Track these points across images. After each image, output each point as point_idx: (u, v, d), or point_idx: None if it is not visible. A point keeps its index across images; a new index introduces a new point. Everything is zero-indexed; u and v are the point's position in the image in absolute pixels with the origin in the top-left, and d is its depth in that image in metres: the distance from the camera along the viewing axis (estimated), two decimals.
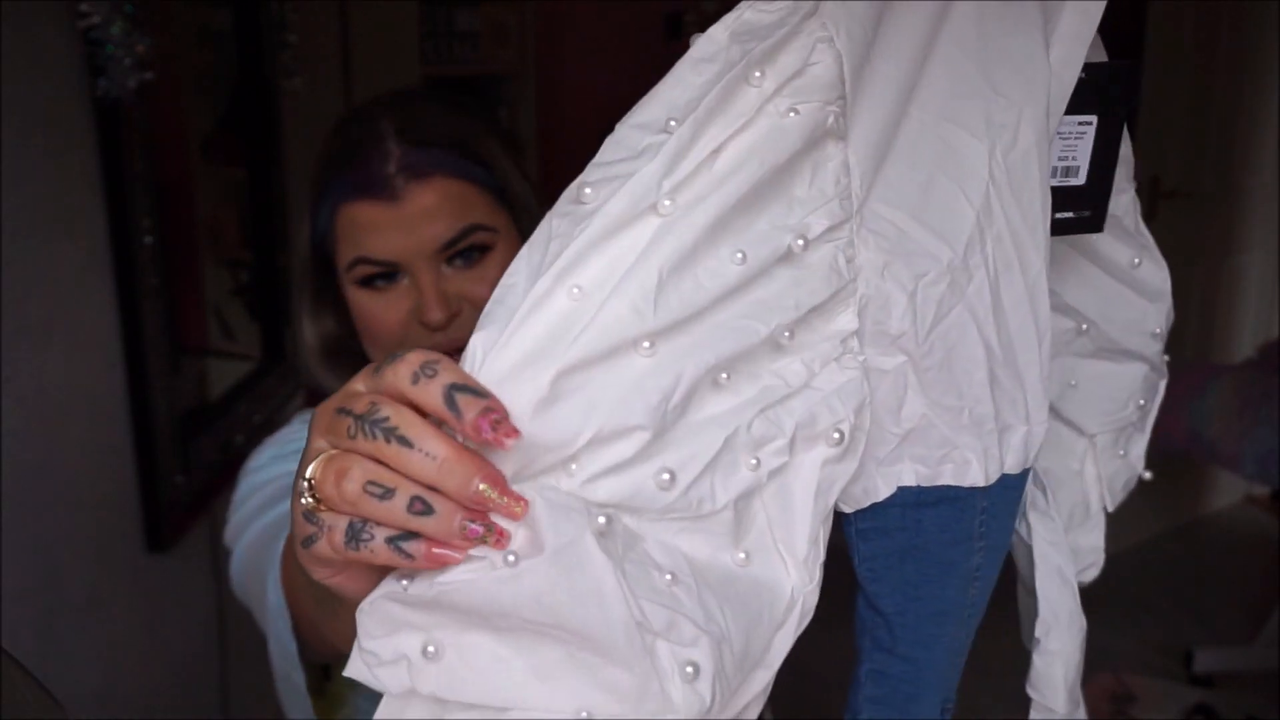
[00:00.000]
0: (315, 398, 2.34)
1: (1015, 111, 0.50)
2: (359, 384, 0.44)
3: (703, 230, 0.44)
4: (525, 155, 0.88)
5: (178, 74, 1.79)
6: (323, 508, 0.43)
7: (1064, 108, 0.52)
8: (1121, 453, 0.65)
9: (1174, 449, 2.63)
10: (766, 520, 0.47)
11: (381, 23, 2.69)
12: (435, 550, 0.41)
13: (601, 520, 0.42)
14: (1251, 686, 2.54)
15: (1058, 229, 0.55)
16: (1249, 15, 3.04)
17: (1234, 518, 3.46)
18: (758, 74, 0.45)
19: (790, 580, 0.47)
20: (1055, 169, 0.54)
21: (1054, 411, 0.62)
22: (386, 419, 0.41)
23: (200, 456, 1.68)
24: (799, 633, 0.48)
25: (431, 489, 0.41)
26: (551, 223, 0.44)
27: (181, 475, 1.60)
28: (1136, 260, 0.60)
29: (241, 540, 0.85)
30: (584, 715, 0.42)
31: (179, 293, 1.71)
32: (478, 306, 0.71)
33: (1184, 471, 3.24)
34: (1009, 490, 0.55)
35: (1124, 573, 3.08)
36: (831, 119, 0.47)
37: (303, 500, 0.44)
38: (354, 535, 0.42)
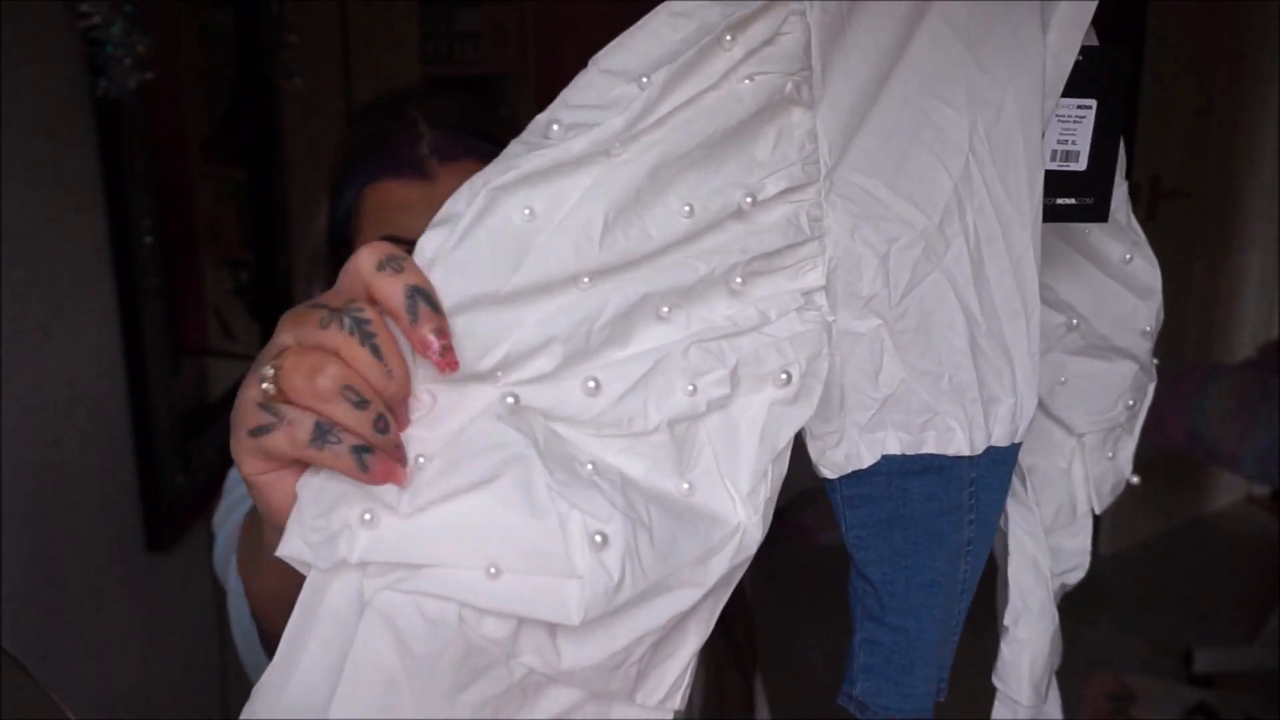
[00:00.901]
0: None
1: (1000, 88, 0.50)
2: (336, 285, 0.44)
3: (645, 178, 0.45)
4: None
5: (178, 74, 1.79)
6: (283, 399, 0.42)
7: (1059, 91, 0.52)
8: (1110, 454, 0.65)
9: (1174, 449, 2.63)
10: (713, 454, 0.48)
11: (381, 23, 2.69)
12: (386, 467, 0.42)
13: (510, 400, 0.44)
14: (1251, 686, 2.54)
15: (1059, 215, 0.55)
16: (1249, 15, 3.04)
17: (1234, 518, 3.46)
18: (729, 38, 0.46)
19: (736, 516, 0.48)
20: (1055, 152, 0.55)
21: (1043, 408, 0.62)
22: (368, 321, 0.42)
23: (200, 456, 1.68)
24: (737, 564, 0.48)
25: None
26: (514, 148, 0.46)
27: (181, 475, 1.60)
28: (1128, 256, 0.61)
29: (225, 526, 0.85)
30: (490, 568, 0.42)
31: (179, 293, 1.71)
32: None
33: (1184, 471, 3.24)
34: (998, 464, 0.55)
35: (1124, 573, 3.08)
36: (791, 87, 0.48)
37: (263, 386, 0.42)
38: (321, 435, 0.41)
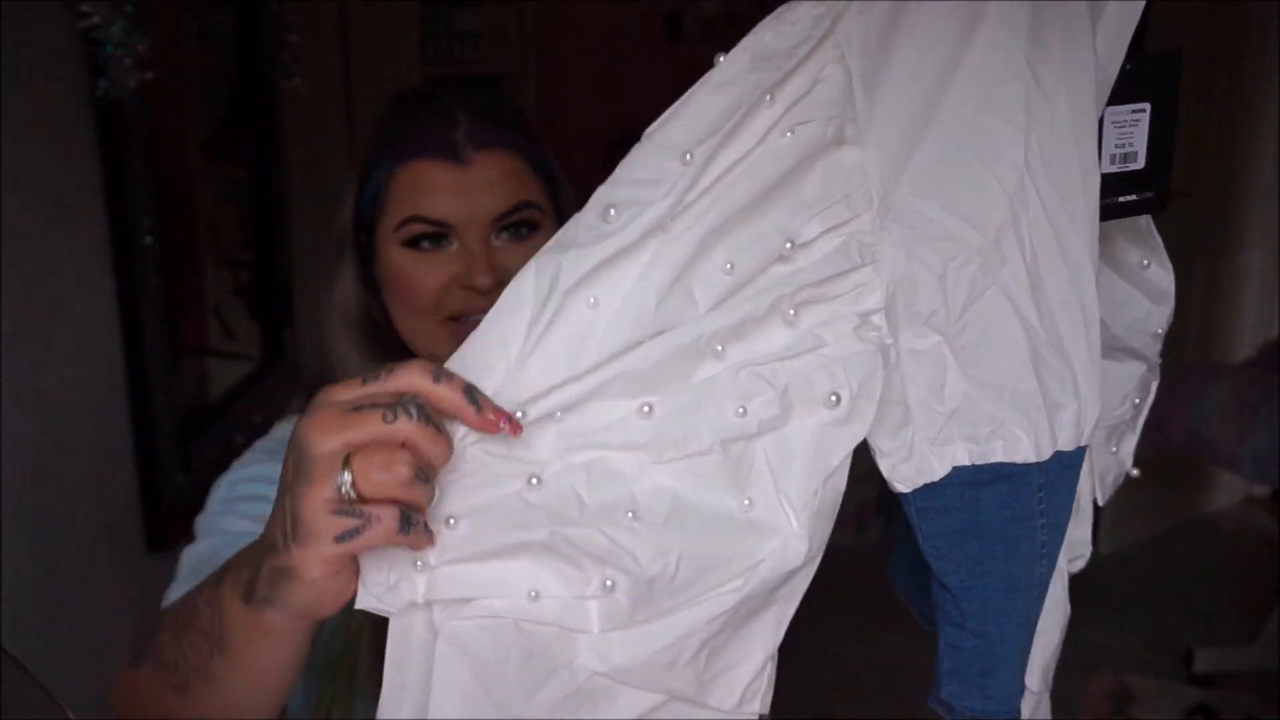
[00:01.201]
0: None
1: (1053, 99, 0.51)
2: (367, 386, 0.48)
3: (695, 246, 0.49)
4: None
5: (178, 74, 1.79)
6: (360, 500, 0.46)
7: (1106, 99, 0.54)
8: (1114, 449, 0.67)
9: (1174, 449, 2.63)
10: (769, 472, 0.51)
11: (381, 23, 2.69)
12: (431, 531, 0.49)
13: (534, 481, 0.50)
14: (1251, 686, 2.54)
15: (1121, 211, 0.57)
16: (1249, 15, 3.04)
17: (1234, 518, 3.46)
18: (769, 98, 0.49)
19: (790, 529, 0.51)
20: (1114, 155, 0.56)
21: None
22: (423, 405, 0.46)
23: (200, 456, 1.68)
24: (783, 572, 0.52)
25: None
26: (574, 230, 0.50)
27: (181, 475, 1.60)
28: (1146, 262, 0.62)
29: (206, 538, 0.85)
30: (531, 593, 0.50)
31: (179, 293, 1.71)
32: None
33: (1184, 471, 3.24)
34: (1065, 468, 0.56)
35: (1124, 573, 3.08)
36: (833, 130, 0.50)
37: (342, 492, 0.46)
38: (407, 520, 0.47)
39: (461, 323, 0.80)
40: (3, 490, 1.22)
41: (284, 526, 0.48)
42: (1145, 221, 0.61)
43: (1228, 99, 3.08)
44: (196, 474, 1.66)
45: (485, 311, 0.67)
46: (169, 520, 1.56)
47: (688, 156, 0.48)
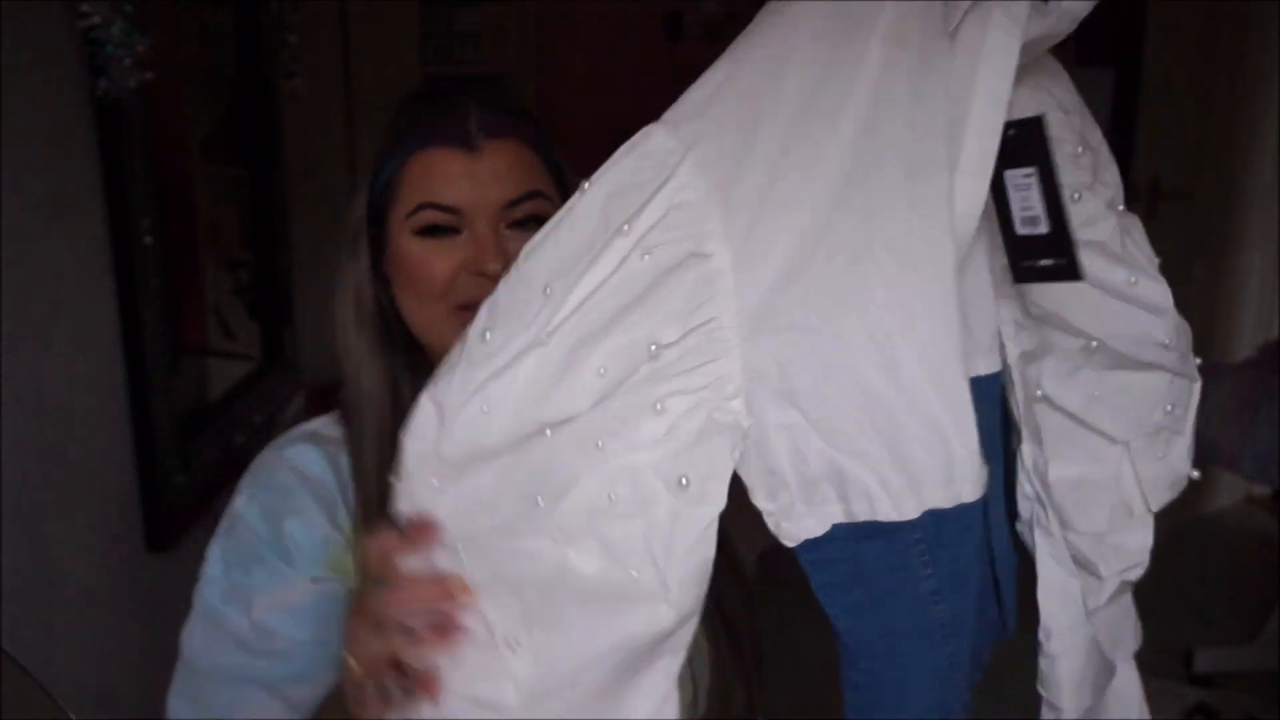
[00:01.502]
0: (315, 398, 2.33)
1: (899, 192, 0.56)
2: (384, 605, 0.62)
3: (566, 357, 0.57)
4: None
5: (178, 74, 1.79)
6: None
7: (991, 165, 0.57)
8: (1160, 455, 0.69)
9: None
10: (649, 551, 0.58)
11: (381, 23, 2.69)
12: None
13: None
14: (1251, 686, 2.54)
15: (1035, 276, 0.61)
16: (1249, 15, 3.04)
17: (1234, 518, 3.46)
18: (626, 226, 0.56)
19: (659, 599, 0.58)
20: (1022, 218, 0.60)
21: (1081, 422, 0.67)
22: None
23: (200, 456, 1.68)
24: (652, 634, 0.59)
25: None
26: (456, 356, 0.59)
27: (182, 475, 1.60)
28: (1133, 279, 0.64)
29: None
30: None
31: (179, 293, 1.70)
32: None
33: None
34: (948, 522, 0.60)
35: None
36: (691, 245, 0.57)
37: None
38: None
39: (471, 311, 0.81)
40: (3, 490, 1.22)
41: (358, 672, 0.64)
42: (1118, 242, 0.65)
43: (1228, 99, 3.08)
44: (196, 474, 1.65)
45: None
46: (169, 520, 1.56)
47: (547, 290, 0.57)
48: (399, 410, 0.83)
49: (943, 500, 0.59)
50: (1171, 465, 0.69)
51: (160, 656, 1.64)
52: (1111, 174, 0.65)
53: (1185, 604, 2.93)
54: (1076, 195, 0.63)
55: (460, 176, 0.80)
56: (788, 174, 0.56)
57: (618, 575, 0.58)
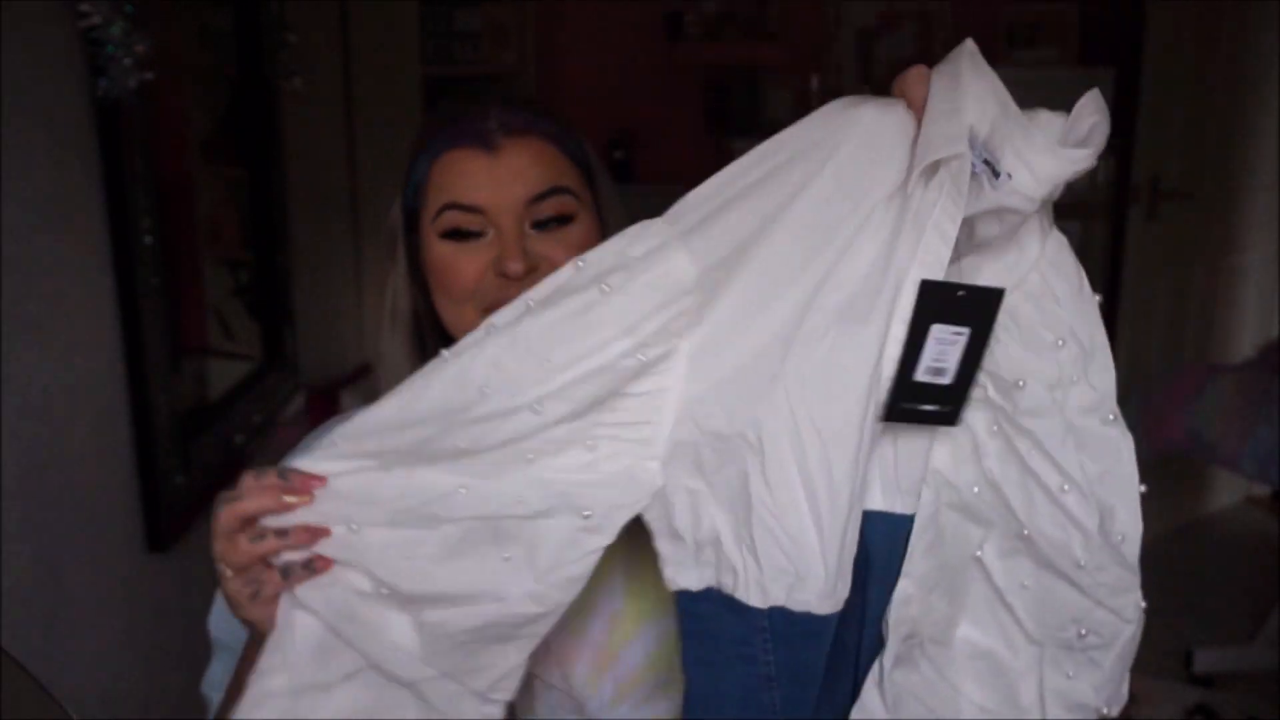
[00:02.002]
0: (315, 398, 2.33)
1: (835, 329, 0.63)
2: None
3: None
4: None
5: (178, 74, 1.79)
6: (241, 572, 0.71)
7: (907, 317, 0.63)
8: (1069, 674, 0.70)
9: (1174, 449, 2.63)
10: (522, 546, 0.68)
11: (381, 23, 2.69)
12: None
13: (354, 527, 0.68)
14: (1251, 686, 2.54)
15: (920, 418, 0.66)
16: (1249, 16, 3.04)
17: (1234, 518, 3.46)
18: (634, 329, 0.65)
19: (526, 591, 0.68)
20: (929, 368, 0.65)
21: (1005, 604, 0.70)
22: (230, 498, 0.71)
23: (200, 456, 1.68)
24: (526, 635, 0.70)
25: None
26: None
27: (181, 475, 1.60)
28: (1065, 487, 0.67)
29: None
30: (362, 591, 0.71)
31: (179, 293, 1.71)
32: (555, 265, 0.78)
33: (1184, 471, 3.24)
34: (793, 624, 0.66)
35: None
36: (671, 347, 0.66)
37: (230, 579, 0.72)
38: (284, 571, 0.70)
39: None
40: (3, 490, 1.22)
41: (239, 587, 0.71)
42: (1073, 448, 0.67)
43: (1228, 99, 3.08)
44: (196, 474, 1.65)
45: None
46: (169, 520, 1.56)
47: (536, 408, 0.65)
48: None
49: (788, 603, 0.66)
50: (1077, 689, 0.70)
51: (160, 656, 1.65)
52: (1104, 380, 0.66)
53: (1185, 604, 2.93)
54: (1020, 383, 0.66)
55: (481, 175, 0.80)
56: (753, 305, 0.64)
57: (501, 556, 0.68)
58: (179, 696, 1.69)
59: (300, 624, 0.70)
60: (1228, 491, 3.48)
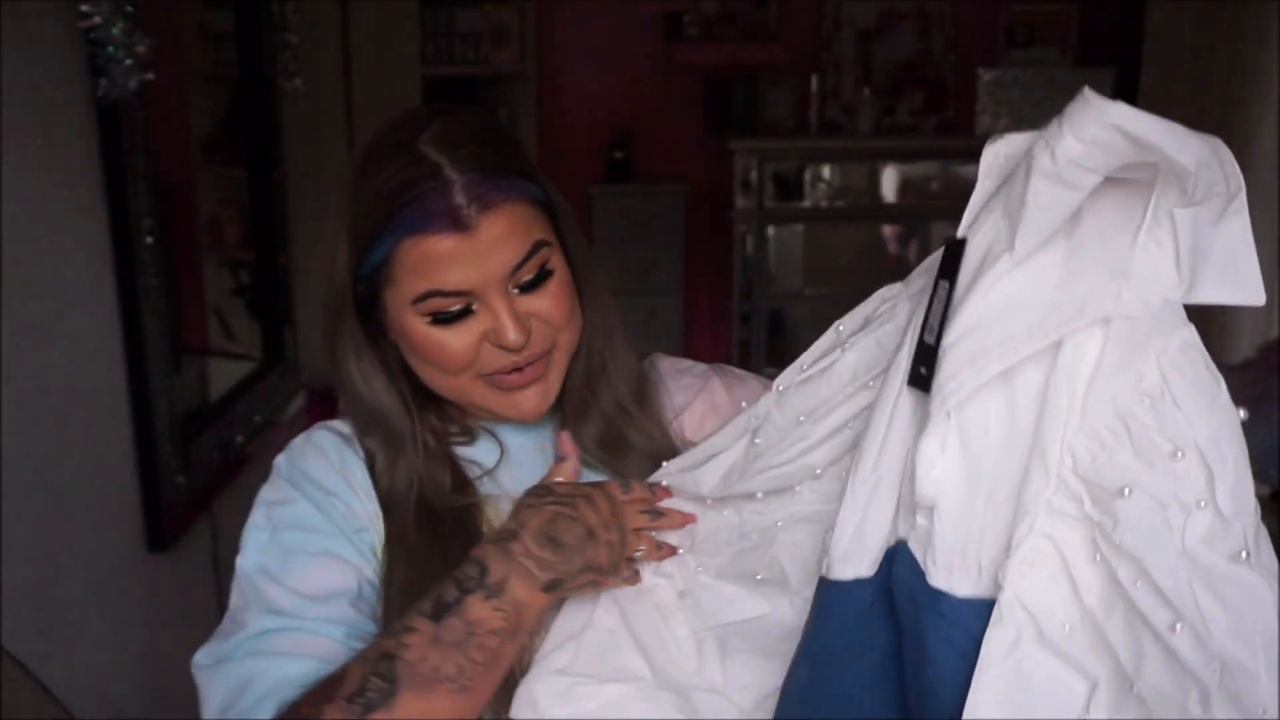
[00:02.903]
0: (315, 398, 2.33)
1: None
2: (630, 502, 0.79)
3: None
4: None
5: (178, 74, 1.79)
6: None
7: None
8: None
9: None
10: (783, 547, 0.78)
11: (381, 23, 2.69)
12: None
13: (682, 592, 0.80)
14: None
15: (917, 382, 0.62)
16: (1249, 16, 3.05)
17: None
18: (870, 382, 0.73)
19: (790, 594, 0.77)
20: (928, 326, 0.62)
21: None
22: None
23: (201, 456, 1.68)
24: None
25: None
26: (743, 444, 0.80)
27: (182, 475, 1.60)
28: (1178, 626, 0.54)
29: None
30: None
31: (179, 293, 1.71)
32: (547, 321, 0.79)
33: None
34: (821, 591, 0.69)
35: None
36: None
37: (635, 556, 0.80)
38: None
39: (498, 377, 0.80)
40: (3, 490, 1.23)
41: (612, 559, 0.76)
42: (1191, 584, 0.54)
43: (1227, 99, 3.08)
44: (196, 474, 1.66)
45: (520, 365, 0.80)
46: (169, 520, 1.56)
47: (800, 420, 0.75)
48: (408, 421, 0.83)
49: (824, 570, 0.68)
50: None
51: (160, 656, 1.65)
52: (1235, 507, 0.54)
53: None
54: (1126, 491, 0.55)
55: (462, 258, 0.76)
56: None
57: (774, 576, 0.77)
58: (179, 696, 1.69)
59: (599, 620, 0.78)
60: None
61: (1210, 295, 0.55)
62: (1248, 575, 0.53)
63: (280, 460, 0.84)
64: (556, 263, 0.80)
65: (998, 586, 0.57)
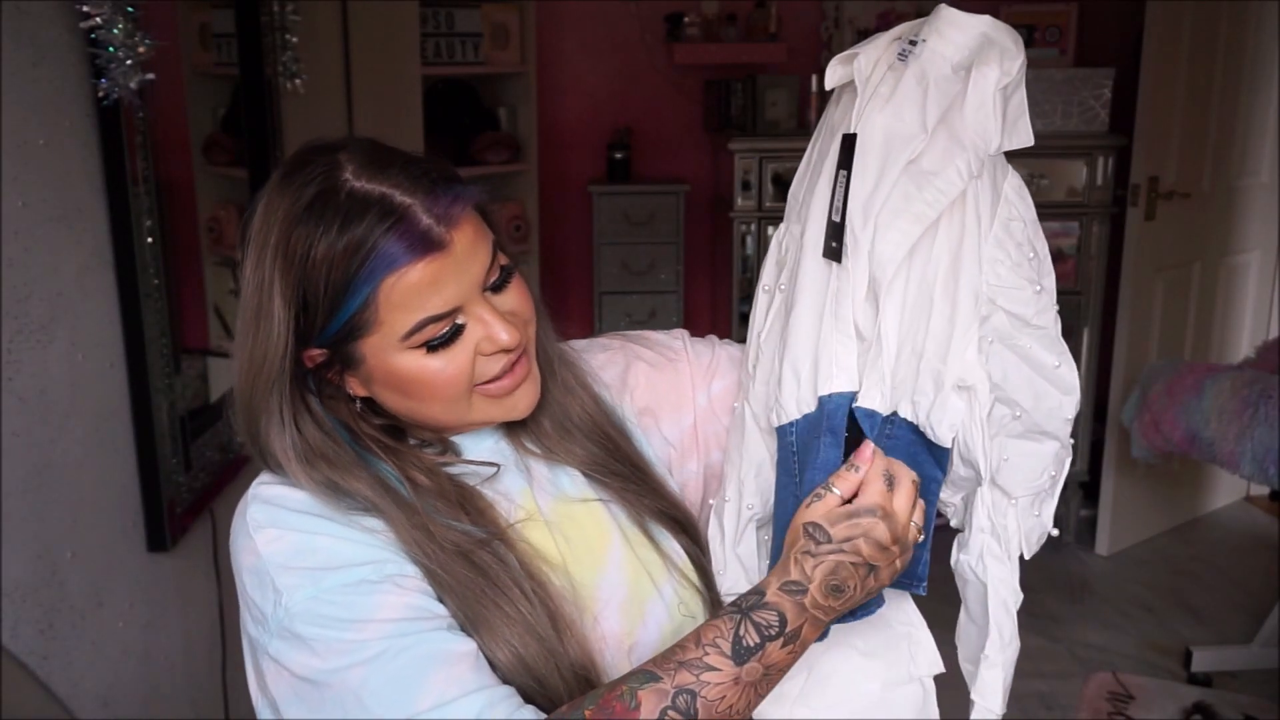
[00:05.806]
0: None
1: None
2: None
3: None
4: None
5: (178, 74, 1.79)
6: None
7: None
8: (1036, 513, 0.85)
9: (1173, 449, 2.63)
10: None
11: (381, 23, 2.69)
12: None
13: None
14: (1250, 686, 2.54)
15: (829, 254, 0.80)
16: (1249, 15, 3.04)
17: (1234, 518, 3.46)
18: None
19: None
20: (835, 208, 0.80)
21: (992, 481, 0.83)
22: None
23: (201, 456, 1.68)
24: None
25: None
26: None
27: (182, 475, 1.60)
28: (1056, 363, 0.81)
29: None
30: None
31: (179, 293, 1.71)
32: (524, 314, 0.82)
33: (1184, 471, 3.24)
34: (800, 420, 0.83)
35: (1124, 573, 3.09)
36: None
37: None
38: None
39: (494, 382, 0.81)
40: (3, 490, 1.23)
41: (894, 574, 0.78)
42: (1056, 329, 0.81)
43: (1227, 99, 3.08)
44: (196, 474, 1.66)
45: (517, 361, 0.81)
46: (169, 520, 1.56)
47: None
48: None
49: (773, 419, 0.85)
50: (1042, 522, 0.86)
51: (160, 656, 1.65)
52: (1050, 280, 0.82)
53: (1184, 604, 2.93)
54: (1038, 288, 0.80)
55: (445, 278, 0.76)
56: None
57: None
58: (179, 696, 1.69)
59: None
60: (1226, 491, 3.48)
61: (1011, 143, 0.78)
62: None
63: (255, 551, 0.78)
64: (503, 256, 0.81)
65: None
